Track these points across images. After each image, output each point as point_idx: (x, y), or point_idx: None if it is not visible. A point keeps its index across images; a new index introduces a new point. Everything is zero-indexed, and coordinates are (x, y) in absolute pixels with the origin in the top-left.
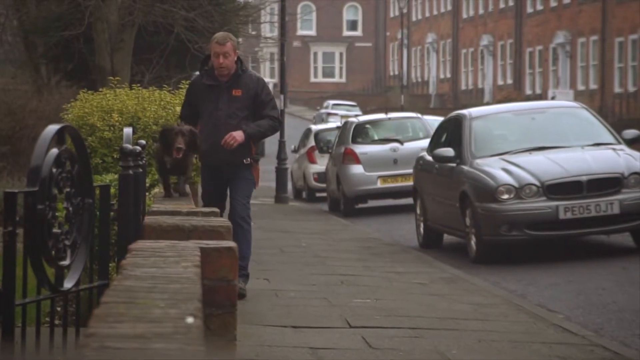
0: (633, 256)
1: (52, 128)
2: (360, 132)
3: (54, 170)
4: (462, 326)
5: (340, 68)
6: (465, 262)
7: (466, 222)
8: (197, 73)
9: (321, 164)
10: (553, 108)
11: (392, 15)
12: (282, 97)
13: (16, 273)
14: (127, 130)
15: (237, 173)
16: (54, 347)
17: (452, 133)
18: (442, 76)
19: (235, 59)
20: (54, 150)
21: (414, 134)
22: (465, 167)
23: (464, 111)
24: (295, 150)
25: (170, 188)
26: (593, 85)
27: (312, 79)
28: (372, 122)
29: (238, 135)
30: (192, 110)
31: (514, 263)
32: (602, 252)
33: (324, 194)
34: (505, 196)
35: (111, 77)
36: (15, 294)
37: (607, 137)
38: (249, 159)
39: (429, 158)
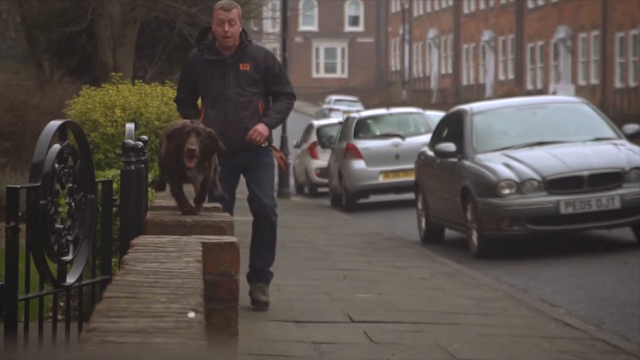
0: (634, 250)
1: (54, 124)
2: (362, 128)
3: (57, 165)
4: (463, 320)
5: (342, 64)
6: (466, 257)
7: (467, 217)
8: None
9: (323, 159)
10: (554, 103)
11: (393, 10)
12: None
13: (19, 268)
14: (129, 126)
15: (256, 160)
16: (56, 342)
17: (453, 128)
18: (443, 71)
19: (240, 29)
20: (56, 146)
21: (416, 129)
22: (467, 162)
23: (466, 106)
24: (297, 146)
25: (186, 198)
26: (594, 81)
27: (314, 75)
28: (374, 118)
29: (262, 129)
30: (192, 90)
31: (515, 258)
32: (603, 246)
33: (326, 189)
34: (507, 191)
35: (114, 73)
36: (18, 289)
37: (608, 132)
38: (266, 142)
39: (431, 153)
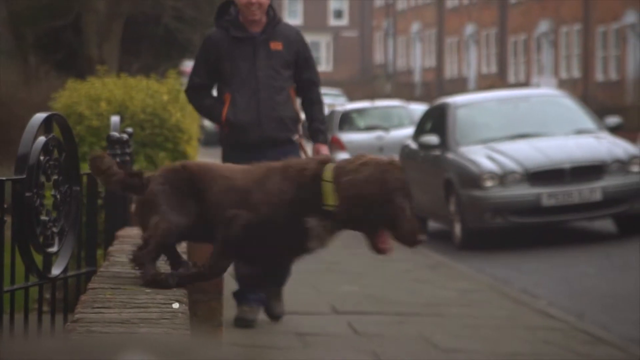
0: (615, 242)
1: (40, 116)
2: (347, 121)
3: (42, 158)
4: (446, 312)
5: (327, 57)
6: (449, 249)
7: (450, 209)
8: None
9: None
10: (536, 96)
11: (377, 4)
12: None
13: (4, 260)
14: (115, 119)
15: (283, 157)
16: (42, 333)
17: (437, 121)
18: (427, 65)
19: (269, 2)
20: (42, 138)
21: (400, 122)
22: (450, 155)
23: (449, 99)
24: None
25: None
26: (576, 74)
27: None
28: (358, 111)
29: (325, 150)
30: (210, 75)
31: (498, 249)
32: (584, 238)
33: None
34: (489, 183)
35: (99, 66)
36: (3, 281)
37: (590, 124)
38: (297, 136)
39: (414, 146)
